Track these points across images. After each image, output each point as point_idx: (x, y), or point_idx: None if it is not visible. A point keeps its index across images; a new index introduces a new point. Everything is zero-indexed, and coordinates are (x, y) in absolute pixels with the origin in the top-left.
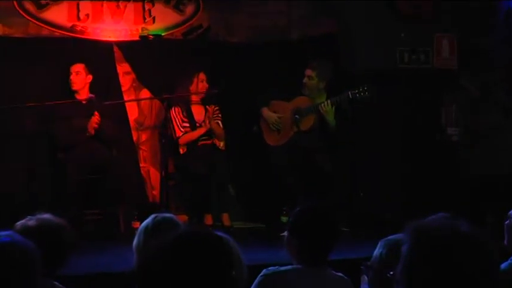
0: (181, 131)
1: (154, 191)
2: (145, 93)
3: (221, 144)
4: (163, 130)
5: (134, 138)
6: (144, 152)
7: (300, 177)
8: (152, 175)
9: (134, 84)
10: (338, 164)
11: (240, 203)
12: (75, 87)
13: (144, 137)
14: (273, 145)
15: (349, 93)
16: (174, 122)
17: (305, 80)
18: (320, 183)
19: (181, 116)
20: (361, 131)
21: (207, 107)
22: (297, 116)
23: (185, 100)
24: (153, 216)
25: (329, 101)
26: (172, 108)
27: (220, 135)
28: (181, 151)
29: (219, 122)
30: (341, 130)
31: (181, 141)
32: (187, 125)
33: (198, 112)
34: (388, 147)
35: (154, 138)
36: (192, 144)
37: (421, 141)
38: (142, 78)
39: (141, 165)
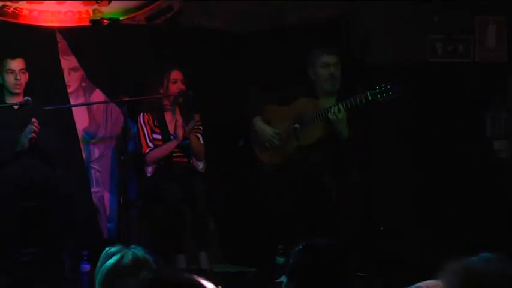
0: (150, 146)
1: (110, 224)
2: (98, 95)
3: (200, 166)
4: (123, 143)
5: (84, 153)
6: (96, 172)
7: (300, 205)
8: (108, 202)
9: (84, 84)
10: (350, 189)
11: (222, 240)
12: (18, 89)
13: (97, 152)
14: (266, 163)
15: (368, 93)
16: (141, 134)
17: (320, 71)
18: (326, 214)
19: (152, 125)
20: (380, 144)
21: (182, 115)
22: (296, 126)
23: (156, 105)
24: (110, 251)
25: (341, 105)
26: (140, 116)
27: (200, 153)
28: (148, 171)
29: (200, 135)
30: (355, 143)
31: (148, 158)
32: (159, 137)
33: (171, 121)
34: (414, 167)
35: (111, 154)
36: (163, 162)
37: (458, 158)
38: (94, 76)
39: (93, 189)
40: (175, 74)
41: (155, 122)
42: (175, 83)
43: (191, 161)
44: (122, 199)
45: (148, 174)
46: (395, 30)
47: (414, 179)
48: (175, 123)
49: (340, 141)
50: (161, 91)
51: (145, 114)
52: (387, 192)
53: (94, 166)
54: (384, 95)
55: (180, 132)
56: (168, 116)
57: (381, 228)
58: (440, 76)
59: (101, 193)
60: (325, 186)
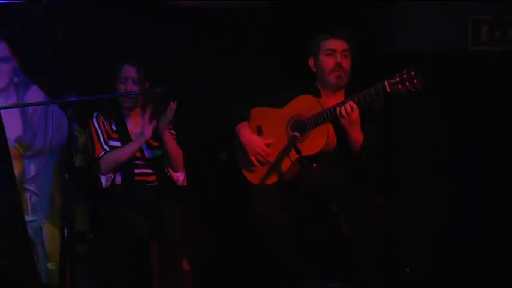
0: (105, 149)
1: (49, 264)
2: (35, 93)
3: (181, 178)
4: (67, 157)
5: (16, 170)
6: (33, 196)
7: (303, 241)
8: (47, 235)
9: (16, 79)
10: (369, 219)
11: (199, 285)
12: None
13: (33, 168)
14: (257, 185)
15: (386, 83)
16: (94, 136)
17: (324, 59)
18: (338, 252)
19: (108, 129)
20: (408, 157)
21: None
22: (296, 135)
23: (114, 106)
24: None
25: (351, 101)
26: (94, 117)
27: (178, 160)
28: (103, 181)
29: (174, 139)
30: (375, 154)
31: (103, 163)
32: (117, 144)
33: (137, 126)
34: (450, 181)
35: (52, 172)
36: (123, 178)
37: (506, 169)
38: (31, 69)
39: (27, 218)
40: (127, 71)
41: (112, 126)
42: (123, 83)
43: (161, 179)
44: (66, 231)
45: (103, 185)
46: (427, 11)
47: (453, 204)
48: (144, 118)
49: (353, 153)
50: (119, 87)
51: (99, 115)
52: (418, 224)
53: (29, 187)
54: (408, 84)
55: (148, 129)
56: (131, 121)
57: (407, 270)
58: (484, 67)
59: (38, 223)
60: (338, 213)
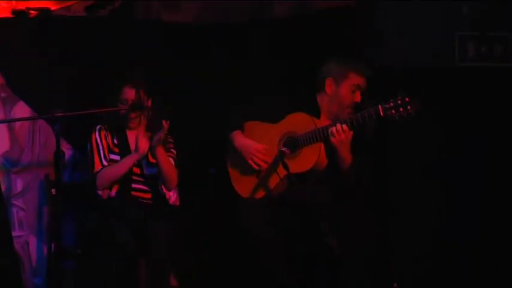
0: (103, 165)
1: (36, 279)
2: (22, 109)
3: (173, 197)
4: (55, 172)
5: (3, 186)
6: (20, 211)
7: (293, 256)
8: (34, 251)
9: (3, 94)
10: (358, 239)
11: None
12: None
13: (20, 184)
14: (246, 198)
15: (380, 107)
16: (95, 150)
17: (345, 92)
18: (328, 269)
19: (110, 143)
20: (398, 178)
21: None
22: (283, 150)
23: (117, 120)
24: None
25: (345, 124)
26: (96, 130)
27: (171, 178)
28: (103, 196)
29: (173, 158)
30: (363, 175)
31: (99, 178)
32: (117, 158)
33: (140, 141)
34: (444, 210)
35: (39, 187)
36: (119, 191)
37: (497, 192)
38: (18, 84)
39: (14, 233)
40: (127, 93)
41: (114, 140)
42: (124, 104)
43: (156, 199)
44: (53, 246)
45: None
46: (414, 26)
47: (445, 225)
48: (136, 137)
49: (341, 171)
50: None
51: (102, 128)
52: (409, 245)
53: (16, 203)
54: (402, 109)
55: (142, 144)
56: (133, 136)
57: (394, 286)
58: (473, 85)
59: (25, 238)
60: (327, 232)
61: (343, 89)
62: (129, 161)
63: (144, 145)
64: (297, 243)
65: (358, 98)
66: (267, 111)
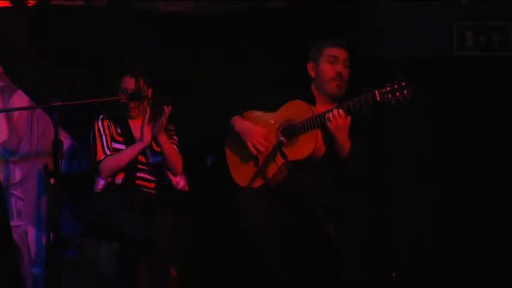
0: (106, 153)
1: (35, 269)
2: (20, 98)
3: (181, 183)
4: (53, 162)
5: (1, 176)
6: (18, 201)
7: (293, 256)
8: (33, 240)
9: (1, 84)
10: (355, 227)
11: None
12: None
13: (18, 174)
14: (244, 188)
15: (376, 92)
16: (98, 139)
17: (325, 67)
18: (325, 260)
19: (113, 132)
20: (394, 167)
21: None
22: (281, 139)
23: (119, 109)
24: None
25: (341, 109)
26: (99, 120)
27: (177, 164)
28: (98, 186)
29: (175, 145)
30: (361, 162)
31: (103, 166)
32: (122, 147)
33: (145, 131)
34: (441, 201)
35: (37, 177)
36: (124, 179)
37: (497, 184)
38: (16, 73)
39: (13, 223)
40: (126, 83)
41: (117, 129)
42: (124, 93)
43: (160, 188)
44: (52, 236)
45: (96, 189)
46: (413, 17)
47: (442, 214)
48: (141, 127)
49: (340, 159)
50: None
51: (105, 117)
52: (406, 233)
53: (15, 192)
54: (398, 94)
55: (146, 134)
56: (136, 125)
57: (393, 274)
58: (471, 74)
59: (24, 228)
60: (324, 221)
61: (321, 65)
62: (134, 149)
63: (149, 135)
64: (297, 243)
65: (339, 68)
66: (266, 110)
